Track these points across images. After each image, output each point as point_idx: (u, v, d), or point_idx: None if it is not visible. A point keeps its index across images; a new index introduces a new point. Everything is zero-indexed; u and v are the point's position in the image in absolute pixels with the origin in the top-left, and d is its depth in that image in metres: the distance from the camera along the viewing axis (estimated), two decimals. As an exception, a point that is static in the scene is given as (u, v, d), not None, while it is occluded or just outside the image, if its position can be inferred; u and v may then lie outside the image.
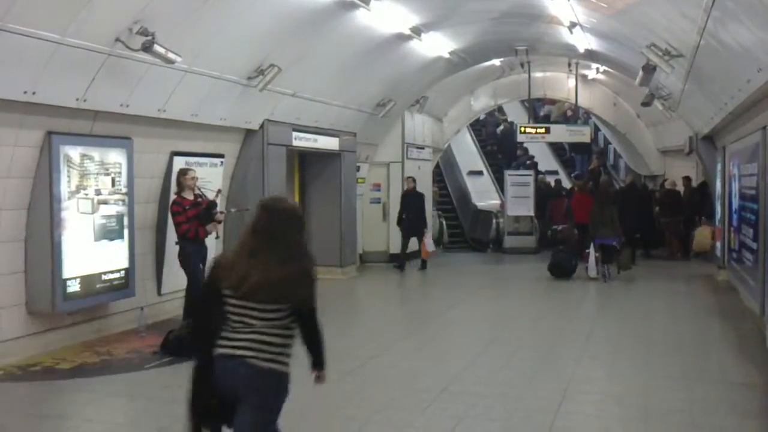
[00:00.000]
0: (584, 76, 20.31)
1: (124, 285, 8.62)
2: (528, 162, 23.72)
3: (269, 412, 3.63)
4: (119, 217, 8.48)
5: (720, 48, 7.90)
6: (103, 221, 8.24)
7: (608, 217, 12.99)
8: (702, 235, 15.69)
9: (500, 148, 26.32)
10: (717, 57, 8.36)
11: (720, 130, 12.68)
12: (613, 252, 13.18)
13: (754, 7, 6.10)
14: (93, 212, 8.08)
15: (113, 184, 8.37)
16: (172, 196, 9.02)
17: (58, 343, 8.01)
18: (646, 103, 13.91)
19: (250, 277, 3.51)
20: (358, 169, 14.98)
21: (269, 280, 3.52)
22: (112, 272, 8.40)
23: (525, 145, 24.01)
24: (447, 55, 13.85)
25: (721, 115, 10.58)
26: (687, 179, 17.87)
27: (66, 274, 7.73)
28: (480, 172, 24.00)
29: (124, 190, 8.54)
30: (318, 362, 3.83)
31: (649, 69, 10.18)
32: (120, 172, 8.46)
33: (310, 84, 11.42)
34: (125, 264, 8.61)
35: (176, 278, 9.38)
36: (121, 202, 8.50)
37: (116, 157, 8.39)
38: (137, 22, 7.25)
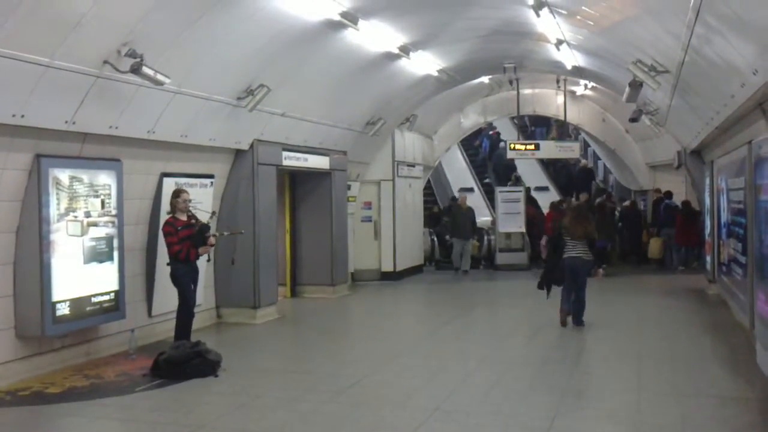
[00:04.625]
0: (573, 93, 20.45)
1: (114, 307, 8.58)
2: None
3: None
4: (109, 239, 8.46)
5: (704, 63, 7.97)
6: (93, 243, 8.21)
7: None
8: (654, 244, 18.13)
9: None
10: (702, 72, 8.44)
11: (708, 144, 12.77)
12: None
13: (735, 23, 6.18)
14: (82, 234, 8.05)
15: (103, 206, 8.35)
16: (165, 217, 9.01)
17: (48, 367, 7.95)
18: (634, 119, 14.03)
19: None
20: (348, 187, 15.01)
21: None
22: (101, 294, 8.36)
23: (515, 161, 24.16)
24: (436, 74, 13.94)
25: (708, 129, 10.66)
26: (657, 191, 19.16)
27: (55, 297, 7.69)
28: (471, 189, 24.09)
29: (114, 211, 8.52)
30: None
31: (636, 85, 10.27)
32: (109, 194, 8.45)
33: (299, 103, 11.46)
34: (115, 286, 8.57)
35: (167, 300, 9.36)
36: (110, 224, 8.48)
37: (106, 179, 8.38)
38: (126, 44, 7.28)
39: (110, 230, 8.48)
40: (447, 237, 19.02)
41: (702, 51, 7.55)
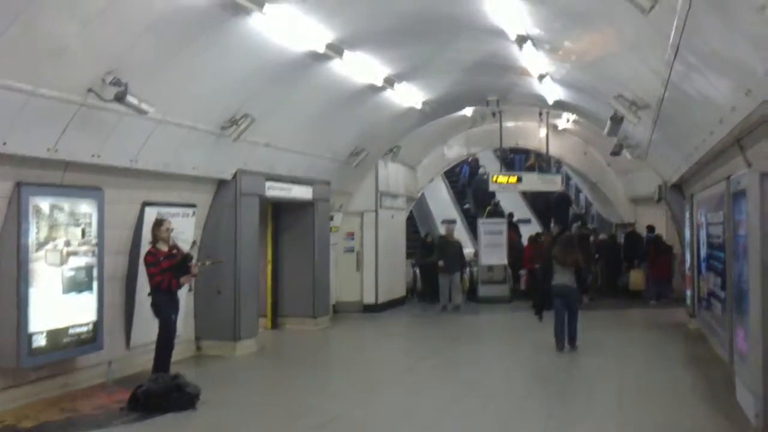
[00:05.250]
0: (555, 126, 20.65)
1: (92, 338, 8.45)
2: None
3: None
4: (89, 269, 8.36)
5: (684, 100, 8.09)
6: (72, 273, 8.11)
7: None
8: (635, 276, 18.33)
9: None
10: (681, 108, 8.56)
11: (688, 178, 12.91)
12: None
13: (713, 61, 6.28)
14: (62, 264, 7.96)
15: (83, 235, 8.27)
16: (147, 247, 8.94)
17: (22, 400, 7.80)
18: (615, 153, 14.16)
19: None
20: (331, 218, 14.99)
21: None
22: (79, 326, 8.23)
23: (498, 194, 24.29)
24: (420, 106, 14.03)
25: (688, 164, 10.79)
26: (630, 225, 19.80)
27: (32, 329, 7.56)
28: (453, 221, 24.14)
29: (95, 241, 8.44)
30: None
31: (617, 119, 10.39)
32: (90, 223, 8.37)
33: (283, 133, 11.48)
34: (93, 317, 8.45)
35: (146, 331, 9.24)
36: (90, 254, 8.39)
37: (87, 207, 8.31)
38: (110, 73, 7.26)
39: (90, 260, 8.38)
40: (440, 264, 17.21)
41: (681, 87, 7.67)
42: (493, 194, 24.94)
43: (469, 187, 28.41)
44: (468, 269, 19.26)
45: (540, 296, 11.69)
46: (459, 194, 28.20)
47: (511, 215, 22.48)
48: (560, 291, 11.19)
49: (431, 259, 17.67)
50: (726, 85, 6.53)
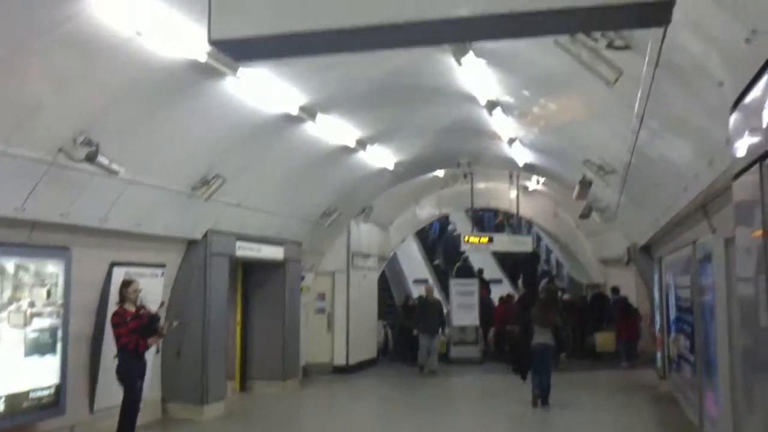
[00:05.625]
0: (525, 187, 20.92)
1: (54, 402, 8.20)
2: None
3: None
4: (53, 330, 8.17)
5: (650, 166, 8.28)
6: (36, 335, 7.92)
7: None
8: (603, 338, 18.45)
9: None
10: (648, 174, 8.75)
11: (656, 241, 13.11)
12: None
13: (676, 130, 6.47)
14: (25, 326, 7.77)
15: (48, 296, 8.11)
16: (114, 307, 8.79)
17: (-23, 467, 7.51)
18: (584, 216, 14.37)
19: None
20: (302, 278, 14.90)
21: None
22: (41, 389, 8.00)
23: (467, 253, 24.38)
24: (392, 167, 14.17)
25: (655, 228, 10.97)
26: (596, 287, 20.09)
27: (-9, 392, 7.34)
28: (425, 280, 24.12)
29: (60, 301, 8.28)
30: None
31: (585, 184, 10.59)
32: (56, 283, 8.22)
33: (255, 194, 11.49)
34: (56, 380, 8.22)
35: (111, 394, 8.99)
36: (55, 315, 8.21)
37: (53, 267, 8.17)
38: (82, 133, 7.25)
39: (55, 321, 8.20)
40: (414, 332, 17.22)
41: (647, 154, 7.86)
42: (463, 250, 25.04)
43: (439, 242, 28.61)
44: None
45: (522, 356, 12.24)
46: (429, 249, 28.32)
47: (480, 271, 22.57)
48: (540, 350, 11.84)
49: (411, 322, 17.28)
50: (689, 154, 6.70)
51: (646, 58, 5.05)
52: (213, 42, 2.44)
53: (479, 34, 3.25)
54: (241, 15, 2.31)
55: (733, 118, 3.87)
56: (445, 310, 18.25)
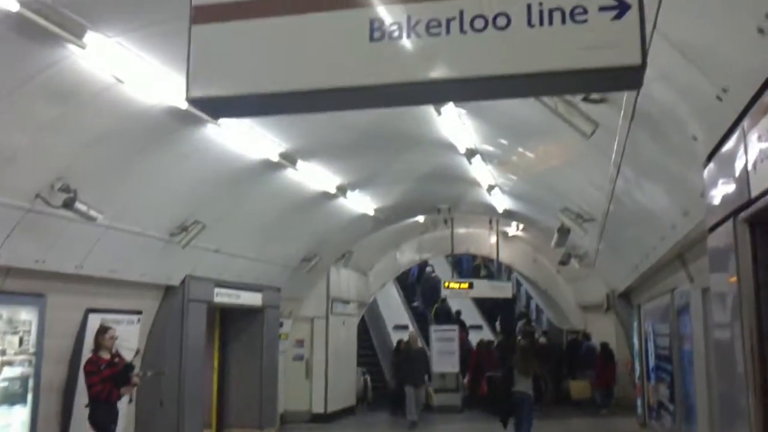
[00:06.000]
0: (505, 233, 21.00)
1: (23, 454, 7.97)
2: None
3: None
4: (24, 380, 7.97)
5: (628, 215, 8.36)
6: (6, 384, 7.71)
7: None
8: (578, 386, 18.23)
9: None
10: (626, 223, 8.83)
11: (635, 288, 13.17)
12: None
13: (653, 181, 6.55)
14: (-5, 374, 7.60)
15: (20, 344, 7.92)
16: (88, 355, 8.62)
17: None
18: (563, 263, 14.42)
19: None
20: (281, 324, 14.75)
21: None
22: (9, 441, 7.79)
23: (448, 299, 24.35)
24: (372, 212, 14.18)
25: (634, 276, 11.03)
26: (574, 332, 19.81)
27: (-44, 445, 7.13)
28: (405, 327, 23.98)
29: (32, 349, 8.09)
30: None
31: (564, 231, 10.67)
32: (29, 331, 8.05)
33: (234, 240, 11.42)
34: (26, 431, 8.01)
35: (82, 445, 8.77)
36: (27, 363, 8.01)
37: (26, 315, 8.01)
38: (60, 179, 7.20)
39: (26, 369, 8.01)
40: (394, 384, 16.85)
41: (625, 203, 7.94)
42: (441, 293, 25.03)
43: (418, 283, 28.64)
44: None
45: (505, 404, 12.00)
46: (408, 290, 28.28)
47: (458, 312, 22.53)
48: (521, 397, 11.65)
49: (400, 375, 16.63)
50: (666, 204, 6.78)
51: (622, 111, 5.13)
52: (191, 100, 2.46)
53: (457, 96, 3.30)
54: (219, 75, 2.33)
55: (707, 172, 3.93)
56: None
